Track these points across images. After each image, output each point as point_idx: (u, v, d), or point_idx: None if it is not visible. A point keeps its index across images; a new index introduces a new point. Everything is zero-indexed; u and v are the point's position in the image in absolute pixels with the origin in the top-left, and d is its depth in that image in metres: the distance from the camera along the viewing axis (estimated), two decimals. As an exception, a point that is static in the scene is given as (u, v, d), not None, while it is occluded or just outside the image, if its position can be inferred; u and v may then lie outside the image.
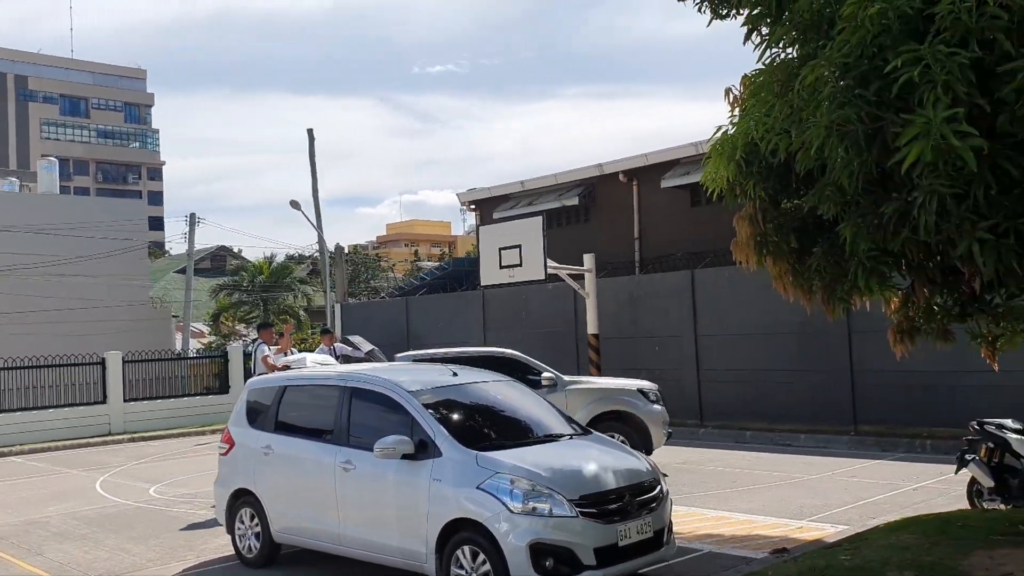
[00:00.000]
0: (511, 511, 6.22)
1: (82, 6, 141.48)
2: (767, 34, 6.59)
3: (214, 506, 9.07)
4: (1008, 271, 5.25)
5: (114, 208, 34.27)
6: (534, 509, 6.22)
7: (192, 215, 33.91)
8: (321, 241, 28.39)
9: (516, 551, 6.13)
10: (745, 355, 16.24)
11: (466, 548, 6.43)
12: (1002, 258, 5.06)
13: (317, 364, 11.88)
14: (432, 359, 11.75)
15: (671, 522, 7.01)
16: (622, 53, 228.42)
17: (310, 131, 28.30)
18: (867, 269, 6.08)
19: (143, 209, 38.99)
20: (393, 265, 68.37)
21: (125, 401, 21.47)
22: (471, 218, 46.23)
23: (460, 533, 6.48)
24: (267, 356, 13.53)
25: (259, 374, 12.38)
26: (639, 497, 6.66)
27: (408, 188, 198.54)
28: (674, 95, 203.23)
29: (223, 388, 23.32)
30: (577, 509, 6.29)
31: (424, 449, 6.83)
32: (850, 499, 10.02)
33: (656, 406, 12.48)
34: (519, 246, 14.55)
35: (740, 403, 16.19)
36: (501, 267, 14.88)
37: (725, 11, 7.37)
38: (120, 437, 20.38)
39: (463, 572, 6.44)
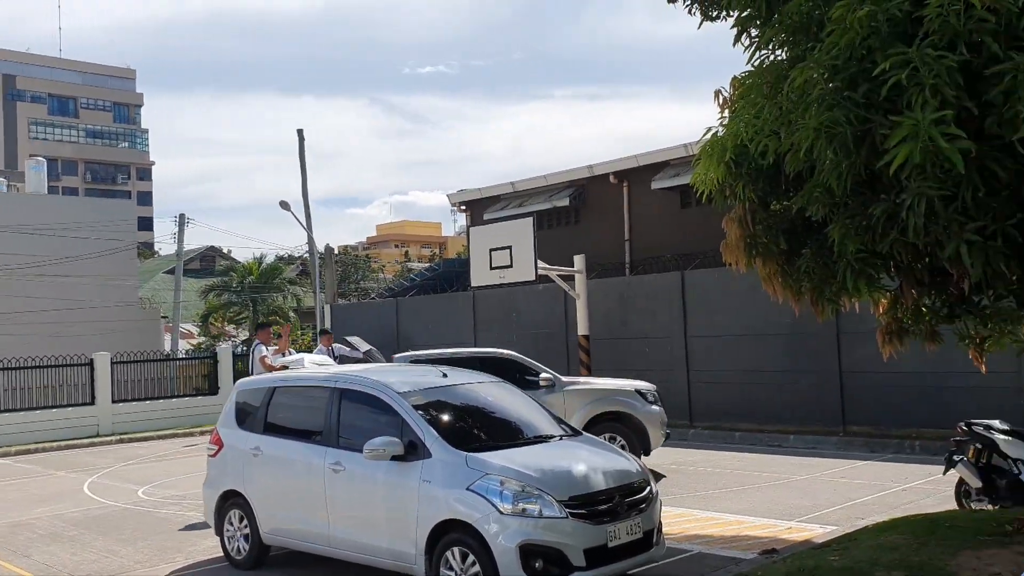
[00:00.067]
0: (501, 512, 6.22)
1: (71, 5, 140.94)
2: (757, 36, 6.60)
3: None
4: (995, 273, 5.28)
5: (103, 208, 34.16)
6: (524, 510, 6.22)
7: (181, 215, 33.82)
8: (311, 242, 28.32)
9: (506, 552, 6.13)
10: (735, 356, 16.27)
11: (456, 549, 6.43)
12: (989, 260, 5.09)
13: (315, 365, 11.85)
14: (430, 360, 11.74)
15: (661, 523, 7.01)
16: (613, 54, 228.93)
17: (300, 131, 28.22)
18: (855, 270, 6.10)
19: (132, 209, 38.89)
20: (383, 266, 68.24)
21: (113, 402, 21.38)
22: (461, 219, 46.23)
23: (450, 534, 6.47)
24: (265, 356, 13.50)
25: (257, 375, 12.35)
26: (629, 498, 6.66)
27: (398, 189, 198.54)
28: (664, 96, 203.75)
29: (212, 389, 23.25)
30: (567, 510, 6.29)
31: (414, 450, 6.82)
32: (839, 500, 10.06)
33: (654, 407, 12.50)
34: (510, 247, 14.56)
35: (730, 404, 16.23)
36: (492, 268, 14.89)
37: (715, 13, 7.40)
38: (108, 438, 20.29)
39: (452, 573, 6.43)
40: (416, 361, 11.52)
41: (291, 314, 38.70)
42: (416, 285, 31.68)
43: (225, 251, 60.98)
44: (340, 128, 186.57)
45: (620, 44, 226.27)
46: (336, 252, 39.92)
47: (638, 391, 12.56)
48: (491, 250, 14.86)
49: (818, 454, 13.59)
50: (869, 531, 7.77)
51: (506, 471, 6.43)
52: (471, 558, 6.32)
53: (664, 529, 7.19)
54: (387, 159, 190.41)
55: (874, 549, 6.96)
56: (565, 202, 25.27)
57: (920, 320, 7.50)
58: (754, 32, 6.70)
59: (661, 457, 12.97)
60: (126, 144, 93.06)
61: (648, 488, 6.92)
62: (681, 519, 9.30)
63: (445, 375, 8.02)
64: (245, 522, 8.26)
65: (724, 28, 7.07)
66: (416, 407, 7.15)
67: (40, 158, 39.28)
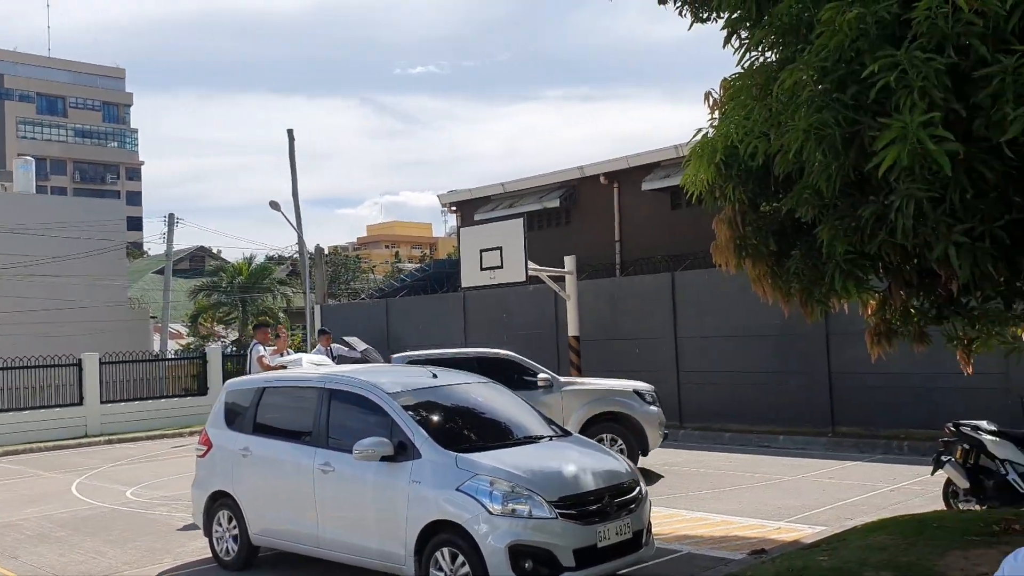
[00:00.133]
0: (490, 513, 6.22)
1: (60, 4, 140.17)
2: (747, 38, 6.62)
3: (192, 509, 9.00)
4: (983, 274, 5.30)
5: (92, 208, 34.02)
6: (513, 511, 6.22)
7: (171, 215, 33.67)
8: (301, 242, 28.25)
9: (495, 553, 6.13)
10: (725, 357, 16.31)
11: (445, 550, 6.43)
12: (978, 261, 5.11)
13: (313, 365, 11.83)
14: (428, 360, 11.74)
15: (650, 523, 7.03)
16: (604, 55, 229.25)
17: (290, 131, 28.14)
18: (844, 272, 6.12)
19: (121, 209, 38.71)
20: (373, 266, 68.15)
21: (102, 403, 21.29)
22: (452, 220, 46.20)
23: (439, 535, 6.47)
24: (263, 356, 13.48)
25: (255, 374, 12.32)
26: (618, 498, 6.67)
27: (389, 189, 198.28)
28: (656, 98, 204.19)
29: (201, 390, 23.18)
30: (556, 510, 6.30)
31: (403, 451, 6.82)
32: (828, 500, 10.09)
33: (652, 407, 12.52)
34: (500, 248, 14.56)
35: (719, 405, 16.27)
36: (482, 269, 14.89)
37: (706, 14, 7.42)
38: (97, 439, 20.20)
39: (442, 574, 6.43)
40: (414, 361, 11.51)
41: (281, 315, 38.58)
42: (406, 286, 31.65)
43: (215, 251, 60.70)
44: (331, 128, 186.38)
45: (612, 45, 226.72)
46: (326, 252, 39.87)
47: (636, 391, 12.58)
48: (482, 251, 14.86)
49: (807, 455, 13.64)
50: (858, 531, 7.80)
51: (496, 472, 6.43)
52: (460, 559, 6.32)
53: (654, 529, 7.21)
54: (378, 159, 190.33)
55: (863, 549, 6.99)
56: (556, 203, 25.31)
57: (909, 321, 7.54)
58: (744, 34, 6.71)
59: (652, 457, 12.97)
60: (115, 144, 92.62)
61: (638, 488, 6.93)
62: (671, 519, 9.32)
63: (435, 376, 8.02)
64: (234, 523, 8.23)
65: (715, 30, 7.09)
66: (406, 408, 7.14)
67: (28, 157, 39.05)
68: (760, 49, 6.41)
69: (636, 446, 12.18)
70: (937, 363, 11.80)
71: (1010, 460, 8.02)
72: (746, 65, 6.56)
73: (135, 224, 67.86)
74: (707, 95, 7.32)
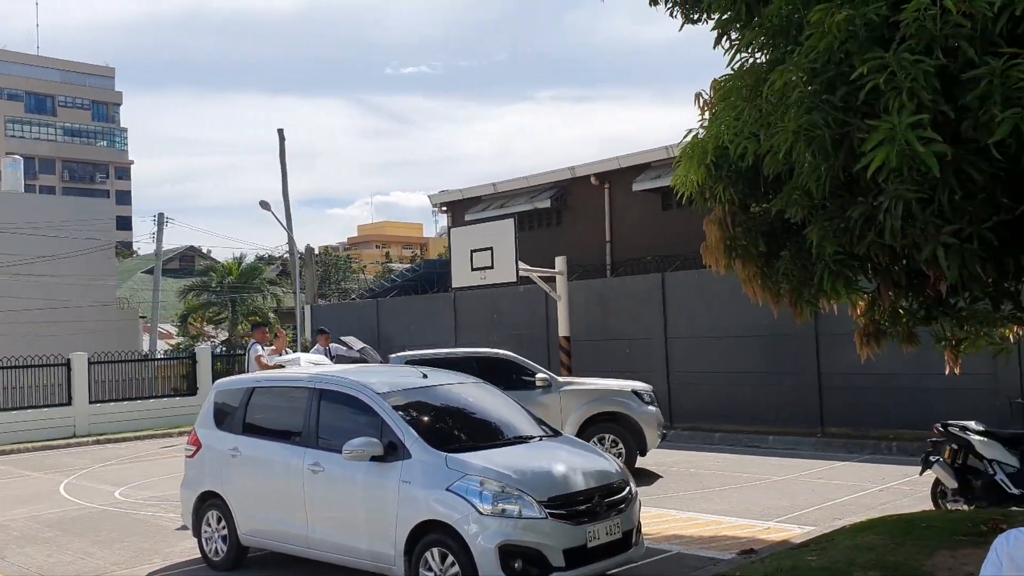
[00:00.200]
0: (480, 513, 6.21)
1: (49, 3, 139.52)
2: (737, 39, 6.64)
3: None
4: (971, 275, 5.33)
5: (81, 207, 33.88)
6: (503, 511, 6.22)
7: (160, 215, 33.49)
8: (291, 242, 28.18)
9: (485, 553, 6.13)
10: (714, 357, 16.35)
11: (435, 550, 6.42)
12: (966, 262, 5.14)
13: (311, 364, 11.82)
14: (426, 360, 11.75)
15: (640, 523, 7.04)
16: (596, 56, 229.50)
17: (280, 131, 28.08)
18: (833, 272, 6.14)
19: (111, 209, 38.62)
20: (364, 267, 68.02)
21: (91, 403, 21.18)
22: (443, 220, 46.20)
23: (429, 535, 6.46)
24: (261, 356, 13.45)
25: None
26: (608, 498, 6.68)
27: (380, 189, 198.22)
28: (647, 99, 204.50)
29: (191, 390, 23.09)
30: (546, 510, 6.30)
31: (393, 451, 6.81)
32: (817, 500, 10.12)
33: (650, 407, 12.54)
34: (491, 248, 14.57)
35: (709, 405, 16.30)
36: (473, 269, 14.89)
37: (696, 15, 7.44)
38: (85, 439, 20.10)
39: (432, 574, 6.42)
40: (412, 361, 11.49)
41: (271, 315, 38.47)
42: (397, 286, 31.62)
43: (205, 251, 60.53)
44: (322, 128, 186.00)
45: (603, 46, 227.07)
46: (317, 252, 39.80)
47: (635, 391, 12.60)
48: (472, 251, 14.86)
49: (797, 455, 13.68)
50: (846, 531, 7.83)
51: (486, 472, 6.43)
52: (450, 559, 6.31)
53: (643, 529, 7.21)
54: (369, 159, 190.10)
55: (851, 549, 7.01)
56: (547, 203, 25.32)
57: (897, 322, 7.57)
58: (734, 35, 6.74)
59: (642, 457, 12.99)
60: (105, 143, 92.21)
61: (627, 488, 6.94)
62: (660, 519, 9.33)
63: (425, 376, 8.01)
64: (223, 523, 8.21)
65: (705, 31, 7.12)
66: (396, 408, 7.13)
67: (17, 156, 38.84)
68: (750, 50, 6.43)
69: (634, 446, 12.21)
70: (926, 364, 11.85)
71: (998, 460, 8.06)
72: (736, 66, 6.59)
73: (124, 224, 67.72)
74: (698, 96, 7.35)
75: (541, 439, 7.48)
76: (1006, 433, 8.41)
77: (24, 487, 13.98)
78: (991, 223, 5.16)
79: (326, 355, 14.39)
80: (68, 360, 21.16)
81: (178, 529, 9.98)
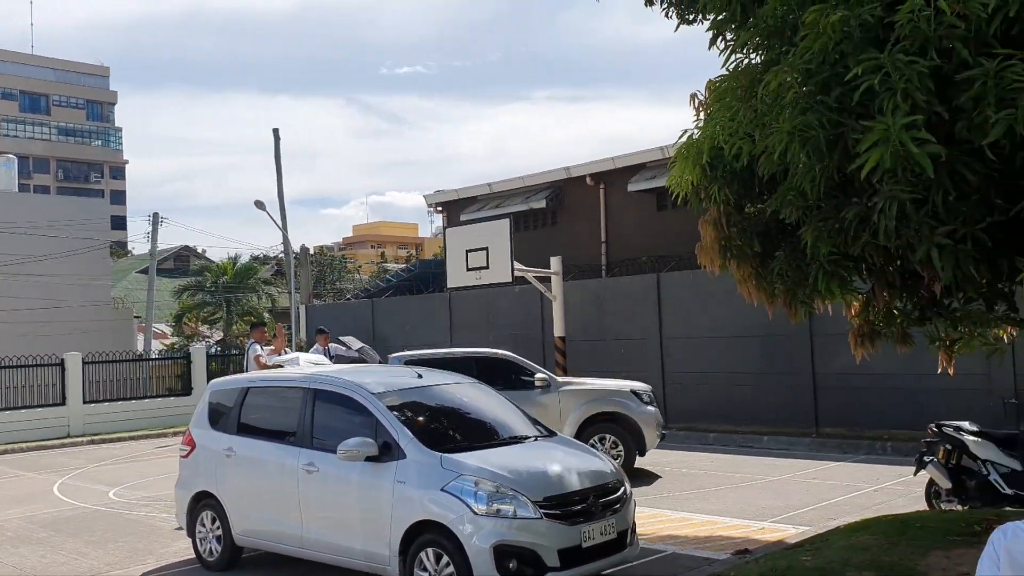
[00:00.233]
0: (475, 513, 6.21)
1: (43, 2, 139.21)
2: (732, 39, 6.65)
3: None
4: (966, 276, 5.34)
5: (76, 207, 33.78)
6: (498, 511, 6.22)
7: (155, 215, 33.46)
8: (286, 242, 28.14)
9: (480, 553, 6.13)
10: (709, 358, 16.36)
11: (430, 550, 6.42)
12: (960, 263, 5.15)
13: (310, 364, 11.81)
14: (425, 360, 11.74)
15: (635, 523, 7.04)
16: (591, 56, 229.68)
17: (275, 131, 28.05)
18: (828, 273, 6.16)
19: (105, 208, 38.55)
20: (359, 267, 67.93)
21: (85, 403, 21.13)
22: (438, 220, 46.14)
23: (424, 535, 6.46)
24: (259, 356, 13.42)
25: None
26: (603, 498, 6.68)
27: (375, 189, 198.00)
28: (642, 99, 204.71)
29: (185, 390, 23.05)
30: (541, 511, 6.30)
31: (388, 451, 6.80)
32: (811, 500, 10.14)
33: (649, 407, 12.54)
34: (486, 248, 14.57)
35: (704, 405, 16.31)
36: (468, 269, 14.89)
37: (692, 16, 7.44)
38: (79, 439, 20.06)
39: (426, 574, 6.42)
40: (411, 361, 11.49)
41: (266, 315, 38.43)
42: (392, 286, 31.60)
43: (199, 251, 60.51)
44: (317, 128, 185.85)
45: (599, 46, 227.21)
46: (312, 252, 39.71)
47: (634, 391, 12.60)
48: (468, 251, 14.87)
49: (791, 455, 13.69)
50: (841, 531, 7.84)
51: (481, 472, 6.43)
52: (445, 559, 6.31)
53: (638, 529, 7.22)
54: (364, 159, 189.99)
55: (846, 549, 7.03)
56: (542, 203, 25.32)
57: (892, 322, 7.59)
58: (729, 35, 6.74)
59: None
60: (99, 142, 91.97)
61: (622, 489, 6.94)
62: (655, 519, 9.34)
63: (420, 376, 8.01)
64: (217, 523, 8.19)
65: (701, 31, 7.12)
66: (391, 408, 7.13)
67: (11, 155, 38.71)
68: (745, 51, 6.44)
69: (633, 446, 12.21)
70: (920, 364, 11.87)
71: (992, 460, 8.08)
72: (731, 67, 6.59)
73: (119, 223, 67.53)
74: (693, 97, 7.35)
75: (536, 439, 7.48)
76: (1000, 433, 8.43)
77: (18, 487, 13.94)
78: (985, 224, 5.17)
79: (325, 355, 14.38)
80: (62, 360, 21.11)
81: (177, 529, 9.98)
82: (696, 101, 7.32)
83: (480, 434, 7.47)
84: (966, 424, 8.43)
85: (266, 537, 7.84)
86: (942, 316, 7.19)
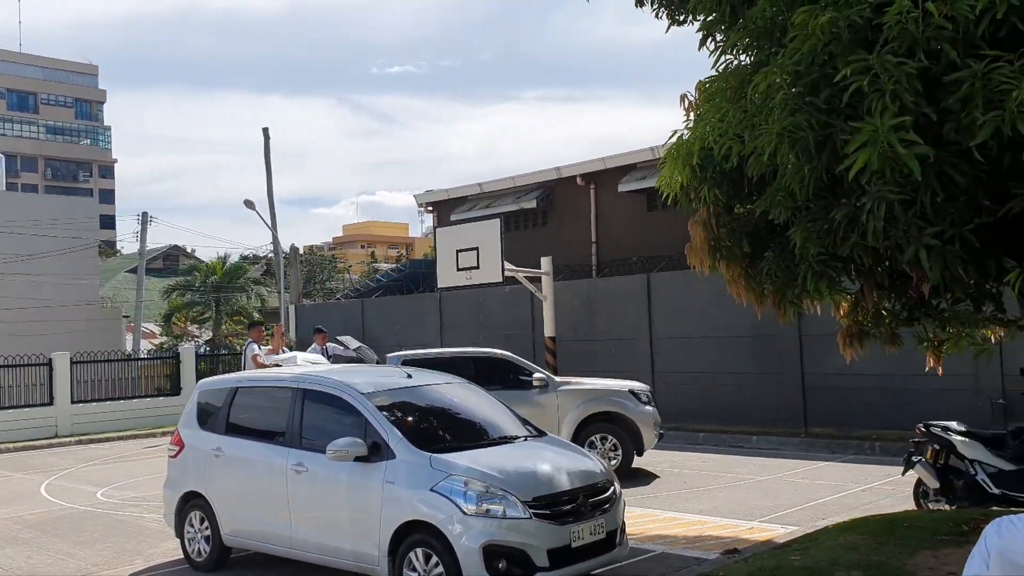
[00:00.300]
0: (464, 513, 6.21)
1: (32, 0, 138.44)
2: (722, 40, 6.66)
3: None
4: (953, 277, 5.36)
5: (64, 206, 33.63)
6: (487, 511, 6.22)
7: (144, 214, 33.28)
8: (276, 241, 28.08)
9: (469, 553, 6.12)
10: (699, 358, 16.40)
11: (419, 550, 6.41)
12: (948, 264, 5.17)
13: (308, 363, 11.78)
14: (423, 359, 11.72)
15: (624, 523, 7.05)
16: (582, 57, 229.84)
17: (265, 130, 27.99)
18: (817, 273, 6.18)
19: (94, 207, 38.36)
20: (349, 266, 67.84)
21: (73, 403, 21.01)
22: (429, 220, 46.10)
23: (413, 535, 6.45)
24: (257, 355, 13.38)
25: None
26: (592, 498, 6.69)
27: (365, 189, 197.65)
28: (633, 100, 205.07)
29: (174, 390, 22.95)
30: (530, 510, 6.30)
31: (377, 451, 6.79)
32: (800, 500, 10.16)
33: (647, 407, 12.54)
34: (477, 248, 14.54)
35: (694, 405, 16.34)
36: (458, 269, 14.86)
37: (682, 17, 7.47)
38: (67, 439, 19.94)
39: (416, 574, 6.41)
40: (408, 361, 11.47)
41: (255, 314, 38.32)
42: (382, 286, 31.55)
43: (189, 250, 60.29)
44: (307, 127, 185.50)
45: (590, 47, 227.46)
46: (302, 252, 39.67)
47: (632, 391, 12.60)
48: (458, 251, 14.84)
49: (780, 455, 13.73)
50: (829, 531, 7.86)
51: (470, 472, 6.43)
52: (434, 559, 6.31)
53: (627, 529, 7.22)
54: (354, 159, 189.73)
55: (834, 549, 7.05)
56: (532, 204, 25.32)
57: (880, 323, 7.62)
58: (719, 36, 6.76)
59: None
60: (88, 141, 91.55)
61: (612, 488, 6.95)
62: (644, 519, 9.35)
63: (410, 376, 8.00)
64: (206, 524, 8.16)
65: (691, 32, 7.14)
66: (380, 408, 7.11)
67: (-1, 154, 38.57)
68: (735, 52, 6.46)
69: (631, 446, 12.21)
70: (908, 364, 11.92)
71: (979, 460, 8.11)
72: (721, 68, 6.61)
73: (108, 222, 67.19)
74: (683, 97, 7.37)
75: (526, 439, 7.48)
76: (987, 433, 8.47)
77: (5, 487, 13.86)
78: (973, 225, 5.19)
79: (323, 354, 14.36)
80: (50, 360, 20.98)
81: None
82: (686, 102, 7.33)
83: (470, 434, 7.46)
84: (954, 424, 8.47)
85: (255, 537, 7.81)
86: (930, 317, 7.22)
